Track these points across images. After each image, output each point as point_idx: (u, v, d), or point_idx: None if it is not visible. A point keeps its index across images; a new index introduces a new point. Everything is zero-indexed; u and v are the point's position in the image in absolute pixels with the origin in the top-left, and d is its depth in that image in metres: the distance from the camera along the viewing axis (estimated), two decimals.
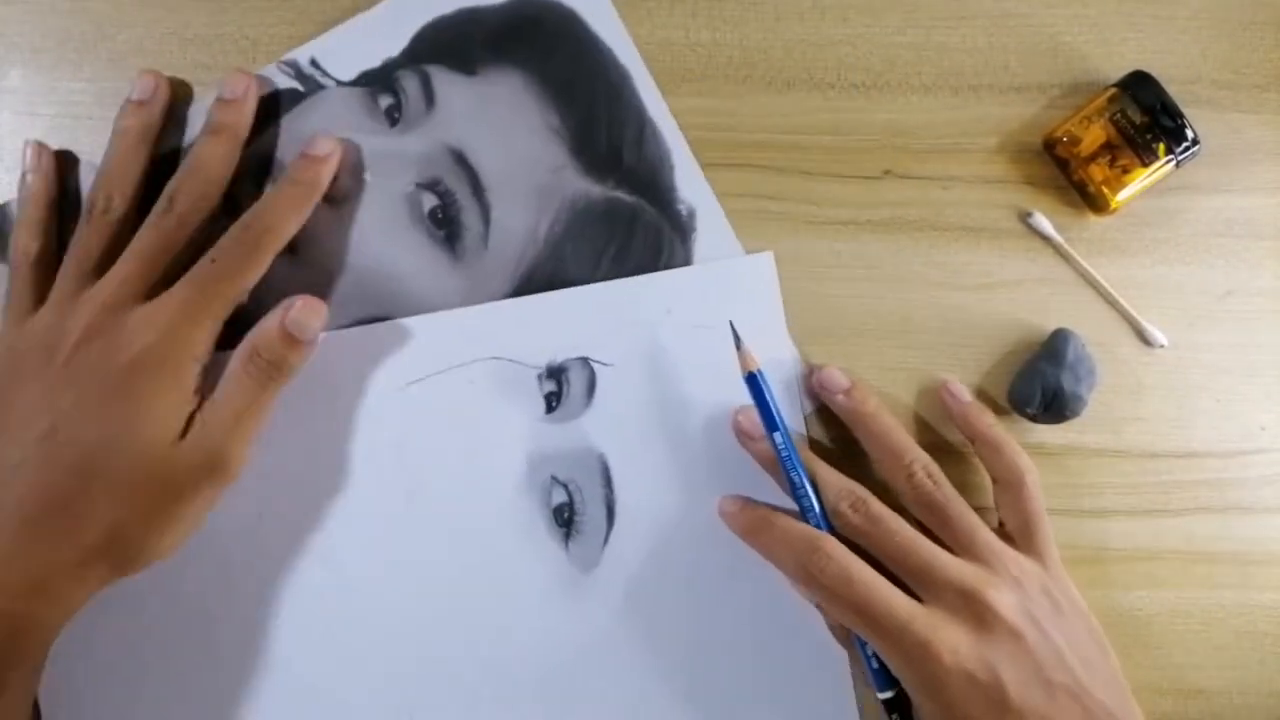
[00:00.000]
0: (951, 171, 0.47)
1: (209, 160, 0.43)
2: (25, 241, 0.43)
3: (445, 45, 0.46)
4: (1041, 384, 0.45)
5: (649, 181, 0.46)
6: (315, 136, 0.45)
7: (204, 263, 0.42)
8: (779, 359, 0.46)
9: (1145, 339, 0.47)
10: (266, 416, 0.42)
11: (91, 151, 0.45)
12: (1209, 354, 0.47)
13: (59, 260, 0.43)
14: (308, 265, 0.45)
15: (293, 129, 0.46)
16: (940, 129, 0.47)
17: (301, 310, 0.42)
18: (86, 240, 0.42)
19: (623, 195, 0.46)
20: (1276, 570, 0.47)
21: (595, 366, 0.45)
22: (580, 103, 0.46)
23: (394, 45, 0.46)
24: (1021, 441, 0.46)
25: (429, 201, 0.45)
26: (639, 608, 0.44)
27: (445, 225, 0.45)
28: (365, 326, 0.45)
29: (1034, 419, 0.46)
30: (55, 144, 0.46)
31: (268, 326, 0.42)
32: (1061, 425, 0.46)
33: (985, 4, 0.48)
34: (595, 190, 0.46)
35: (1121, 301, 0.47)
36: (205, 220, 0.43)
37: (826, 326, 0.46)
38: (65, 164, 0.45)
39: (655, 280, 0.45)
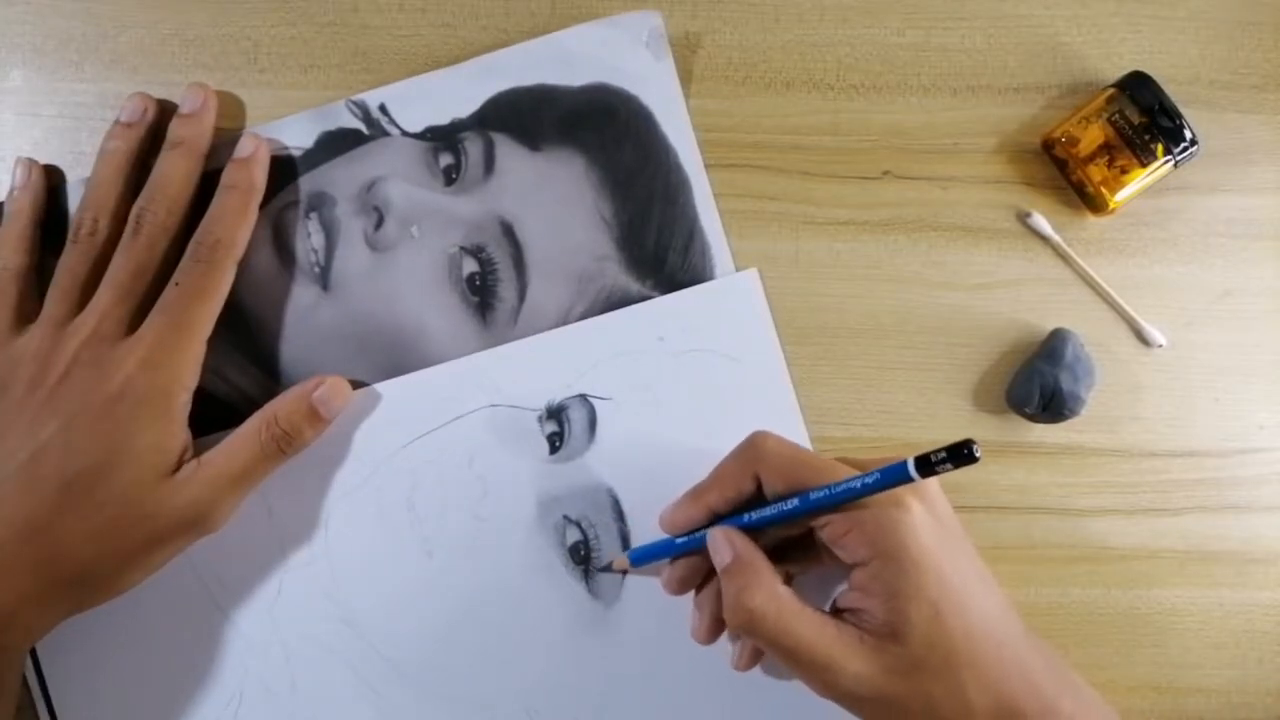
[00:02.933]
0: (950, 172, 0.47)
1: (171, 177, 0.43)
2: (7, 257, 0.43)
3: (516, 117, 0.46)
4: (1040, 384, 0.45)
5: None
6: (241, 138, 0.45)
7: (169, 288, 0.42)
8: (773, 375, 0.46)
9: (1143, 339, 0.47)
10: (261, 482, 0.43)
11: (93, 152, 0.45)
12: (1207, 354, 0.47)
13: (40, 277, 0.43)
14: (337, 303, 0.45)
15: (350, 170, 0.46)
16: (939, 130, 0.47)
17: (329, 389, 0.43)
18: (73, 264, 0.42)
19: (657, 298, 0.46)
20: (1274, 569, 0.47)
21: (594, 402, 0.45)
22: (637, 199, 0.46)
23: (465, 107, 0.46)
24: (1020, 441, 0.47)
25: (469, 266, 0.45)
26: (664, 638, 0.44)
27: (480, 293, 0.45)
28: (364, 389, 0.45)
29: (1032, 419, 0.46)
30: (56, 145, 0.46)
31: (292, 397, 0.43)
32: (1060, 425, 0.46)
33: (984, 5, 0.48)
34: (633, 288, 0.46)
35: (1120, 301, 0.47)
36: (177, 236, 0.43)
37: (826, 326, 0.47)
38: (54, 179, 0.45)
39: (645, 309, 0.46)
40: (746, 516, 0.39)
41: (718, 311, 0.46)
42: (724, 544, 0.39)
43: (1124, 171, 0.45)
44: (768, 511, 0.39)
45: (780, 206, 0.47)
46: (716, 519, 0.40)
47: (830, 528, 0.37)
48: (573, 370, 0.45)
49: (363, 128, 0.46)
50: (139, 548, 0.40)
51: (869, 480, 0.36)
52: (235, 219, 0.43)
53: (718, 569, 0.39)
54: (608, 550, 0.45)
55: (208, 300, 0.42)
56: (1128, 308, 0.47)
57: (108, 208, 0.43)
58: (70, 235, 0.43)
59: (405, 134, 0.46)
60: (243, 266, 0.44)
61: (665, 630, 0.44)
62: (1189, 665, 0.47)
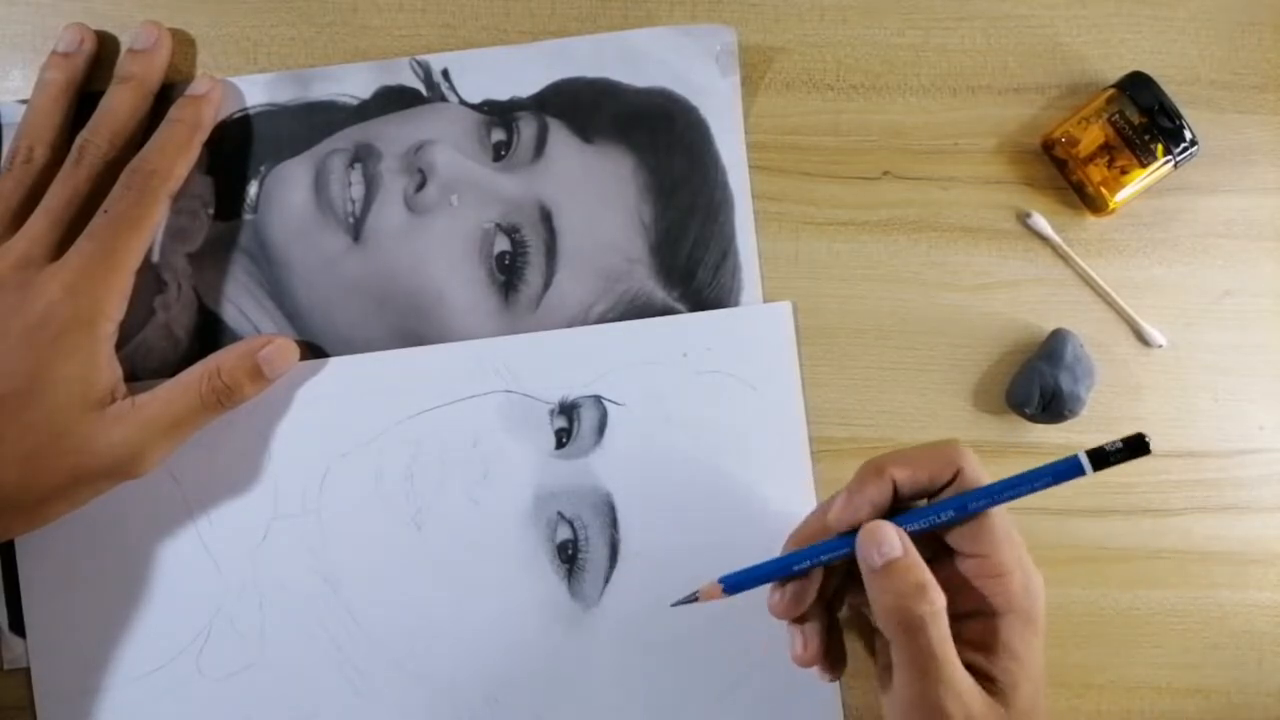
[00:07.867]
0: (950, 172, 0.47)
1: (117, 110, 0.43)
2: None
3: (574, 106, 0.46)
4: (1040, 384, 0.45)
5: (711, 307, 0.46)
6: (198, 77, 0.45)
7: (98, 216, 0.41)
8: (787, 409, 0.46)
9: (1143, 339, 0.47)
10: (194, 433, 0.43)
11: None
12: (1207, 354, 0.47)
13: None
14: (364, 256, 0.45)
15: (402, 129, 0.46)
16: (939, 130, 0.47)
17: (277, 349, 0.43)
18: (6, 190, 0.42)
19: (681, 310, 0.46)
20: (1274, 570, 0.47)
21: (607, 405, 0.45)
22: (678, 209, 0.46)
23: (527, 86, 0.46)
24: (1020, 441, 0.47)
25: (501, 244, 0.45)
26: (637, 649, 0.45)
27: (507, 273, 0.45)
28: (385, 353, 0.45)
29: (1032, 419, 0.46)
30: None
31: (238, 352, 0.43)
32: (1060, 425, 0.46)
33: (984, 5, 0.48)
34: (658, 296, 0.46)
35: (1120, 302, 0.47)
36: (118, 172, 0.42)
37: (825, 327, 0.47)
38: None
39: (673, 323, 0.46)
40: (916, 516, 0.37)
41: (746, 338, 0.46)
42: (894, 537, 0.36)
43: (1124, 172, 0.45)
44: (944, 505, 0.37)
45: (780, 206, 0.47)
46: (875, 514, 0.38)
47: (986, 562, 0.37)
48: (592, 370, 0.45)
49: (422, 89, 0.46)
50: (65, 480, 0.40)
51: (1043, 474, 0.36)
52: (176, 152, 0.43)
53: (876, 563, 0.36)
54: (595, 555, 0.45)
55: (137, 230, 0.42)
56: (1128, 308, 0.47)
57: (44, 137, 0.43)
58: (5, 163, 0.43)
59: (463, 103, 0.46)
60: (278, 203, 0.44)
61: (640, 640, 0.45)
62: (1189, 665, 0.47)
